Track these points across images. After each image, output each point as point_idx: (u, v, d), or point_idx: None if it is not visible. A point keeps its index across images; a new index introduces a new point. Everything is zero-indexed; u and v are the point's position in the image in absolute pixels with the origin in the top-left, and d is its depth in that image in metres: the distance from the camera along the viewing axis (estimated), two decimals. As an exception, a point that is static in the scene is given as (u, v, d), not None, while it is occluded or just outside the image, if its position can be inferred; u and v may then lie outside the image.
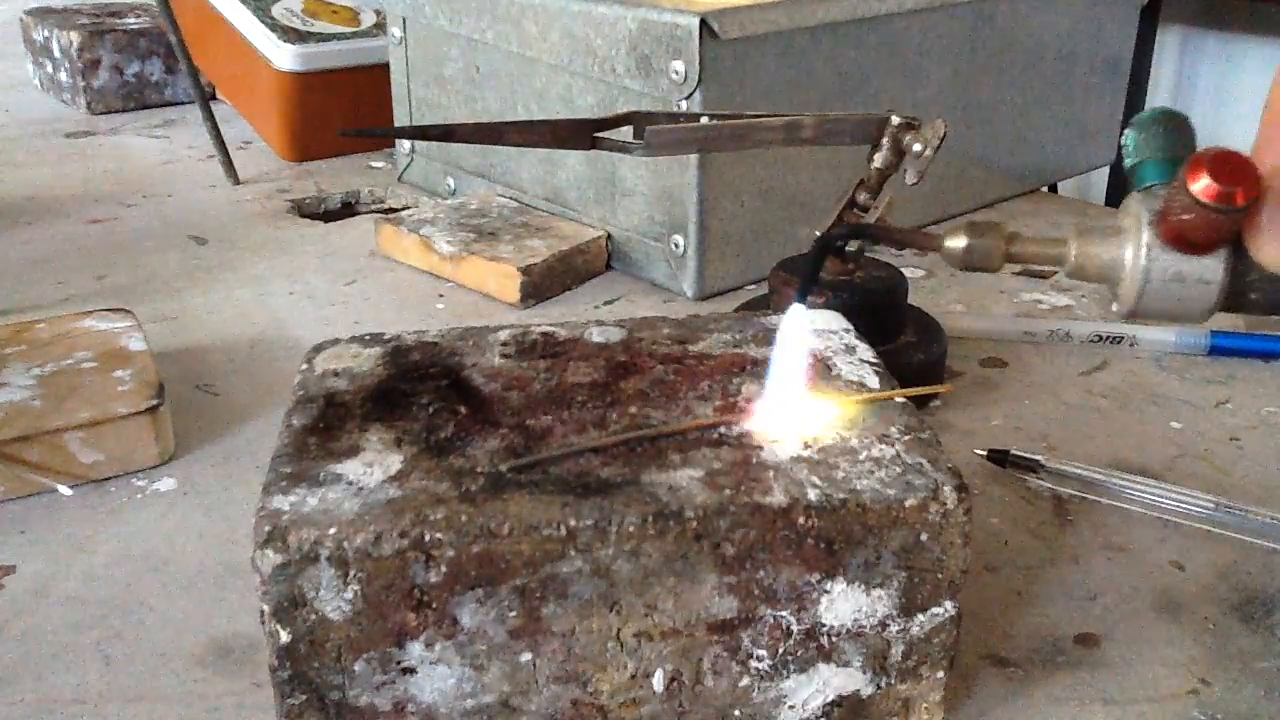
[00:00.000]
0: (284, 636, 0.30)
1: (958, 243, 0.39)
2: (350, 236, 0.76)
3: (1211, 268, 0.35)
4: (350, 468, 0.32)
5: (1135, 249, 0.36)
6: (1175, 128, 0.38)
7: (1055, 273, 0.70)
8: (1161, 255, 0.36)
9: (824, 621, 0.32)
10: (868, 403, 0.36)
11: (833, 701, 0.33)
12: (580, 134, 0.54)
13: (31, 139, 0.98)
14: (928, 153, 0.51)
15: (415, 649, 0.30)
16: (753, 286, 0.67)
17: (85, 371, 0.50)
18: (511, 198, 0.76)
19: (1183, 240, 0.35)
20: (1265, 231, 0.31)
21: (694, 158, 0.62)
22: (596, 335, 0.40)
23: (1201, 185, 0.31)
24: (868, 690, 0.33)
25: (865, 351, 0.39)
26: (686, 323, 0.41)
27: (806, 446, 0.33)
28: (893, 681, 0.33)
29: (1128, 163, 0.38)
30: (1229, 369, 0.58)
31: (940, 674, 0.33)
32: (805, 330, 0.36)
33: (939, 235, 0.40)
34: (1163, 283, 0.36)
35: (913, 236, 0.42)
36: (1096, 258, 0.38)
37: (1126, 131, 0.38)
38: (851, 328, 0.41)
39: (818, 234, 0.54)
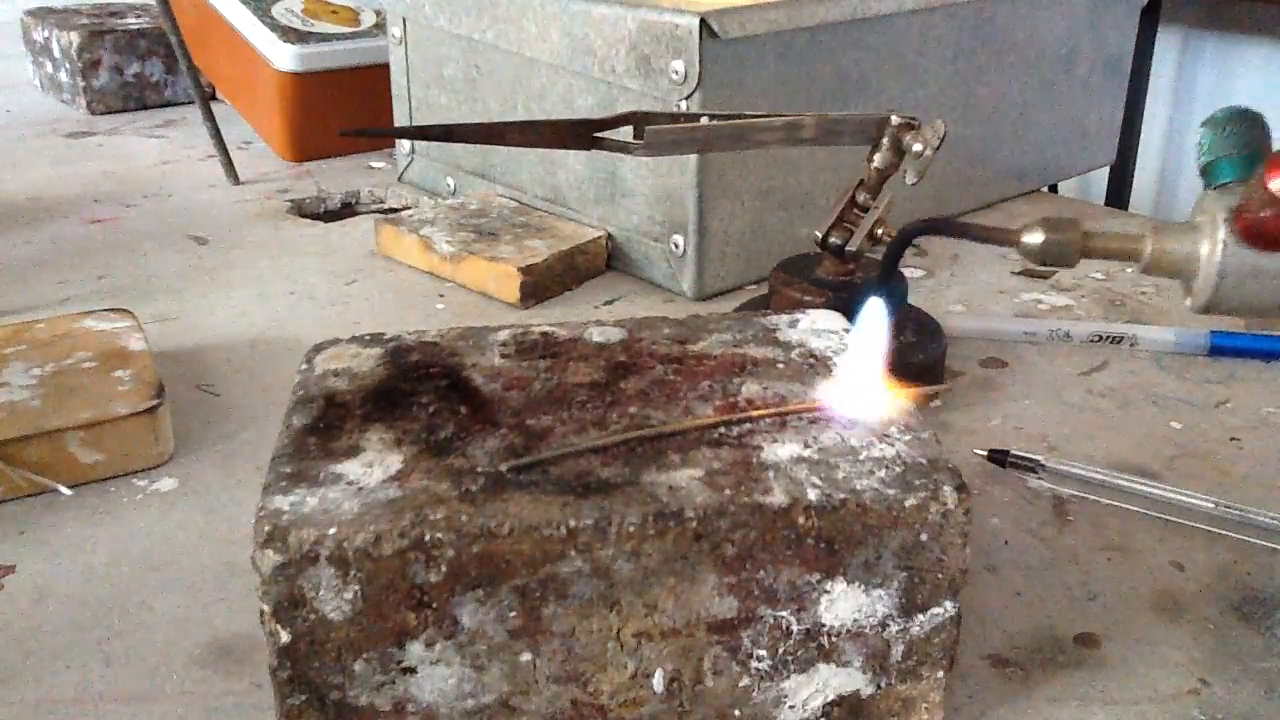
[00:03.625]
0: (284, 636, 0.30)
1: (1035, 238, 0.40)
2: (350, 236, 0.76)
3: None
4: (350, 468, 0.32)
5: (1211, 245, 0.37)
6: (1250, 126, 0.38)
7: (1055, 273, 0.70)
8: (1238, 251, 0.36)
9: (824, 621, 0.32)
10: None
11: (833, 701, 0.33)
12: (580, 134, 0.54)
13: (31, 139, 0.98)
14: (928, 153, 0.51)
15: (415, 649, 0.30)
16: (753, 286, 0.67)
17: (85, 371, 0.50)
18: (511, 198, 0.76)
19: (1260, 236, 0.35)
20: None
21: (694, 158, 0.62)
22: (596, 335, 0.40)
23: None
24: (868, 690, 0.33)
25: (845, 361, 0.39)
26: (686, 323, 0.41)
27: (807, 446, 0.33)
28: (893, 681, 0.33)
29: (1201, 161, 0.39)
30: (1229, 369, 0.58)
31: (940, 674, 0.33)
32: (881, 323, 0.36)
33: (1016, 231, 0.41)
34: (1239, 278, 0.37)
35: (989, 232, 0.42)
36: (1172, 253, 0.38)
37: (1201, 129, 0.39)
38: (851, 328, 0.41)
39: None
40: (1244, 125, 0.38)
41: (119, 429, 0.47)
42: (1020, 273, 0.71)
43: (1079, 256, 0.40)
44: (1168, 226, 0.39)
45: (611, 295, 0.67)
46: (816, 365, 0.38)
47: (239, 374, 0.57)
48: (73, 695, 0.36)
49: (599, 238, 0.69)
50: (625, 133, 0.55)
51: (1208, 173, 0.38)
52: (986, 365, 0.59)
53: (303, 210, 0.82)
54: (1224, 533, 0.44)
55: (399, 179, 0.86)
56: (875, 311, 0.36)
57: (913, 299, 0.57)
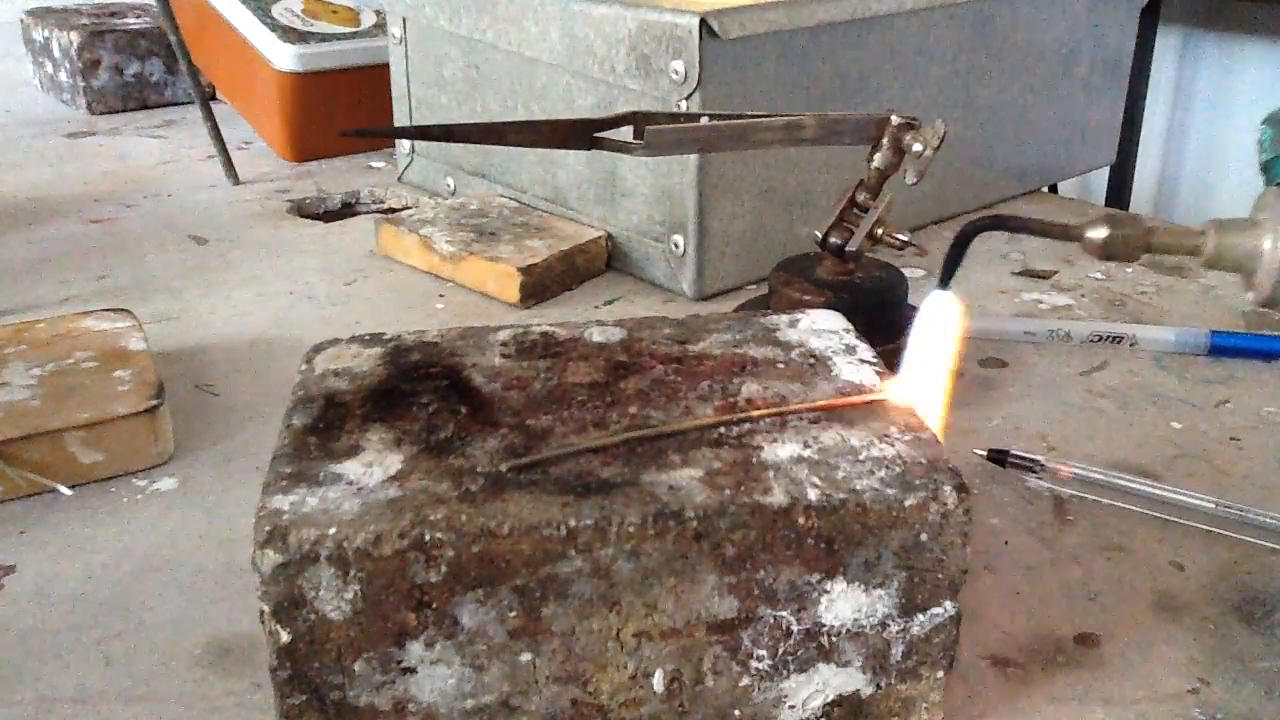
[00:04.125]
0: (284, 636, 0.30)
1: (1099, 233, 0.40)
2: (350, 236, 0.76)
3: None
4: (350, 468, 0.32)
5: (1274, 241, 0.37)
6: None
7: (1055, 273, 0.70)
8: None
9: (824, 621, 0.32)
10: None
11: (833, 701, 0.33)
12: (580, 134, 0.54)
13: (31, 139, 0.98)
14: (928, 153, 0.51)
15: (415, 649, 0.30)
16: (753, 286, 0.67)
17: (85, 371, 0.50)
18: (511, 198, 0.76)
19: None
20: None
21: (694, 158, 0.62)
22: (596, 335, 0.40)
23: None
24: (868, 690, 0.33)
25: (865, 351, 0.39)
26: (686, 323, 0.41)
27: (806, 446, 0.33)
28: (893, 681, 0.33)
29: (1263, 158, 0.40)
30: (1229, 369, 0.58)
31: (940, 674, 0.33)
32: (946, 315, 0.36)
33: (1079, 226, 0.41)
34: None
35: (1052, 227, 0.42)
36: (1234, 248, 0.39)
37: (1262, 127, 0.40)
38: (851, 328, 0.41)
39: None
40: None
41: (119, 429, 0.47)
42: (1020, 273, 0.71)
43: (1142, 252, 0.40)
44: (1230, 222, 0.39)
45: (611, 295, 0.67)
46: (816, 365, 0.38)
47: (239, 374, 0.57)
48: (73, 695, 0.36)
49: (599, 238, 0.69)
50: (625, 133, 0.55)
51: (1269, 169, 0.39)
52: (986, 365, 0.59)
53: (303, 210, 0.82)
54: (1224, 533, 0.44)
55: (399, 179, 0.86)
56: (941, 304, 0.36)
57: (913, 299, 0.57)
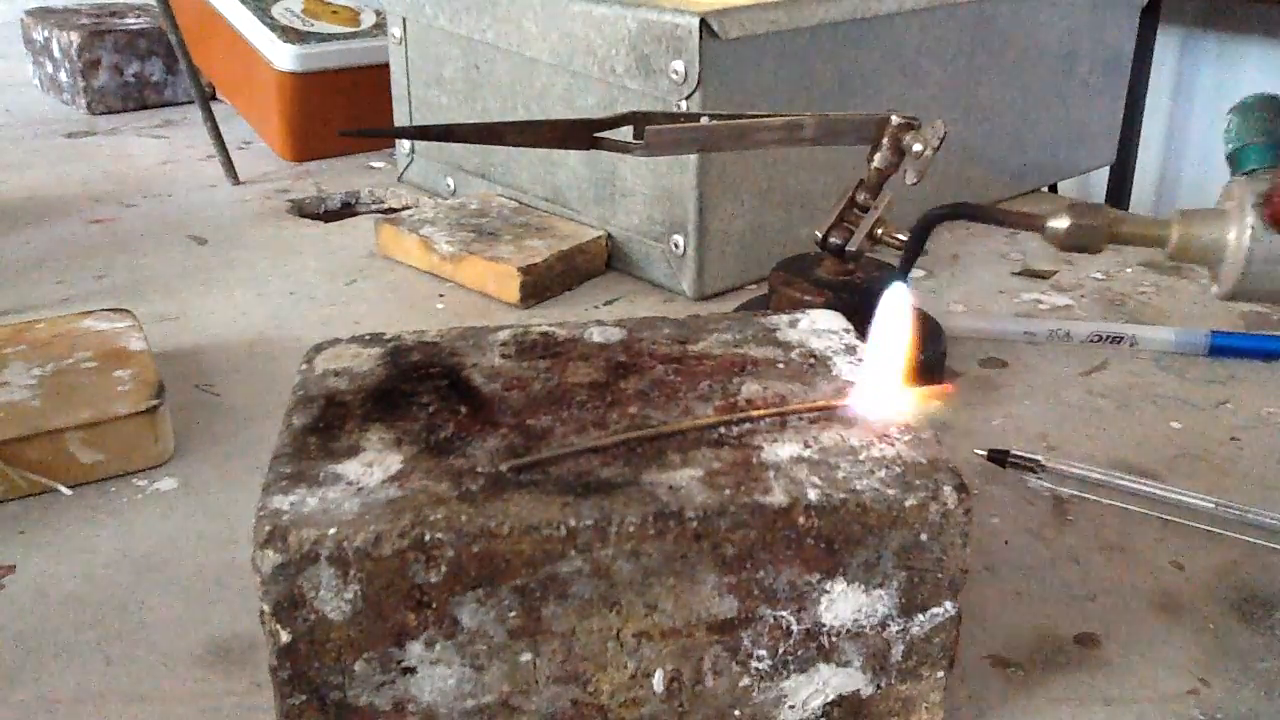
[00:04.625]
0: (284, 636, 0.30)
1: (1061, 223, 0.40)
2: (350, 236, 0.76)
3: None
4: (350, 468, 0.32)
5: (1239, 231, 0.37)
6: (1277, 112, 0.38)
7: (1055, 273, 0.70)
8: (1265, 238, 0.36)
9: (824, 621, 0.32)
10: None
11: (833, 701, 0.33)
12: (580, 134, 0.54)
13: (31, 139, 0.98)
14: (928, 153, 0.51)
15: (415, 649, 0.30)
16: (753, 286, 0.67)
17: (85, 371, 0.50)
18: (511, 198, 0.76)
19: None
20: None
21: (694, 158, 0.62)
22: (596, 335, 0.40)
23: None
24: (868, 690, 0.33)
25: (865, 351, 0.39)
26: (686, 323, 0.41)
27: (807, 446, 0.33)
28: (893, 681, 0.33)
29: (1229, 147, 0.39)
30: (1229, 369, 0.58)
31: (940, 674, 0.33)
32: (905, 308, 0.36)
33: (1041, 216, 0.41)
34: (1265, 264, 0.37)
35: (1014, 216, 0.42)
36: (1199, 239, 0.38)
37: (1229, 116, 0.39)
38: (851, 328, 0.41)
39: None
40: (1272, 111, 0.38)
41: (119, 429, 0.47)
42: (1020, 273, 0.71)
43: (1106, 242, 0.40)
44: (1195, 212, 0.38)
45: (611, 295, 0.67)
46: (816, 365, 0.38)
47: (239, 374, 0.57)
48: (73, 695, 0.36)
49: (599, 238, 0.69)
50: (625, 133, 0.55)
51: (1235, 159, 0.38)
52: (986, 365, 0.59)
53: (303, 210, 0.82)
54: (1224, 533, 0.44)
55: (399, 179, 0.86)
56: (898, 297, 0.36)
57: (914, 299, 0.57)
